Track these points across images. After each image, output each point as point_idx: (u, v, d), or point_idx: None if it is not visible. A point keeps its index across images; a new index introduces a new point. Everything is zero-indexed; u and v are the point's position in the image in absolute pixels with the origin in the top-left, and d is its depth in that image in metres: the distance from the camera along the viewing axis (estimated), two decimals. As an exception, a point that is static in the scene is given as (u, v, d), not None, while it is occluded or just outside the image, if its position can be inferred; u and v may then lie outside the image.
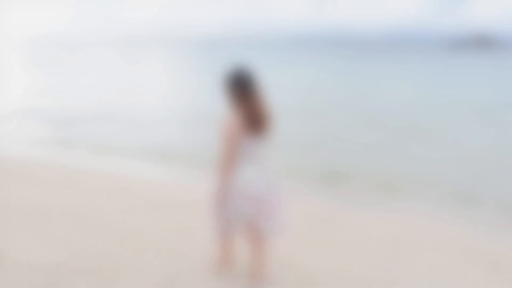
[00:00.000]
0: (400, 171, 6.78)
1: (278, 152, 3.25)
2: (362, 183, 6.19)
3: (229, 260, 3.10)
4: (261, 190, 2.70)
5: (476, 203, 5.54)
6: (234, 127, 2.60)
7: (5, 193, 4.67)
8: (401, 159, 7.64)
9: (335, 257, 3.56)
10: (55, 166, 6.22)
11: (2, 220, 3.87)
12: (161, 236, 3.70)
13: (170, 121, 11.09)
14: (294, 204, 3.06)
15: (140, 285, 2.87)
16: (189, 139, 8.99)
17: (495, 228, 4.77)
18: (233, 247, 3.12)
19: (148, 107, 13.55)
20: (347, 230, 4.23)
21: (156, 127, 10.37)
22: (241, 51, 64.15)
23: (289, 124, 8.81)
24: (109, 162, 7.17)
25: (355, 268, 3.36)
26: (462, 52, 79.11)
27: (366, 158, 7.67)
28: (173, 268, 3.11)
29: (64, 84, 18.82)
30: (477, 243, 4.20)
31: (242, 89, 2.64)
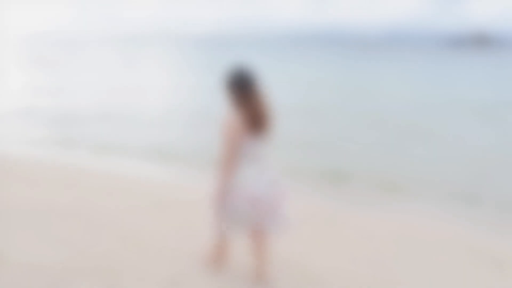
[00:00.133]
0: (401, 171, 6.78)
1: (278, 151, 3.25)
2: (363, 182, 6.19)
3: (226, 260, 3.10)
4: (262, 190, 2.70)
5: (477, 202, 5.55)
6: (235, 127, 2.61)
7: (5, 193, 4.66)
8: (401, 159, 7.65)
9: (337, 257, 3.57)
10: (56, 166, 6.21)
11: (3, 220, 3.86)
12: (163, 235, 3.70)
13: (170, 120, 11.08)
14: (295, 204, 3.06)
15: (142, 285, 2.86)
16: (189, 138, 8.99)
17: (497, 228, 4.78)
18: (231, 247, 3.12)
19: (149, 106, 13.54)
20: (349, 230, 4.24)
21: (157, 126, 10.35)
22: (240, 50, 64.06)
23: (289, 124, 8.81)
24: (109, 161, 7.17)
25: (358, 268, 3.36)
26: (461, 50, 79.10)
27: (367, 157, 7.67)
28: (175, 268, 3.10)
29: (64, 82, 18.78)
30: (479, 243, 4.20)
31: (243, 89, 2.65)
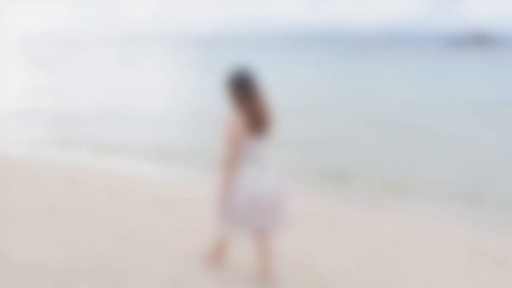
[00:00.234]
0: (402, 171, 6.78)
1: (279, 152, 3.26)
2: (365, 182, 6.19)
3: (226, 260, 3.13)
4: (263, 191, 2.71)
5: (478, 202, 5.55)
6: (237, 128, 2.62)
7: (7, 193, 4.66)
8: (402, 159, 7.64)
9: (339, 256, 3.57)
10: (57, 166, 6.20)
11: (5, 220, 3.86)
12: (164, 235, 3.70)
13: (170, 120, 11.08)
14: (297, 203, 3.07)
15: (144, 286, 2.87)
16: (189, 138, 8.99)
17: (498, 228, 4.78)
18: (232, 247, 3.14)
19: (149, 106, 13.54)
20: (351, 230, 4.24)
21: (157, 126, 10.35)
22: (240, 50, 64.02)
23: (290, 124, 8.83)
24: (110, 161, 7.17)
25: (360, 268, 3.37)
26: (461, 50, 79.12)
27: (368, 157, 7.66)
28: (177, 268, 3.10)
29: (64, 82, 18.77)
30: (480, 243, 4.20)
31: (244, 91, 2.66)
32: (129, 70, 27.17)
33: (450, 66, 36.14)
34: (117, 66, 30.59)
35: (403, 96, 16.21)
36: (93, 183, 5.30)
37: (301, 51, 65.56)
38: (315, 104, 13.84)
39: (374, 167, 6.96)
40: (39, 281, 2.85)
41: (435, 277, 3.33)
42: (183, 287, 2.89)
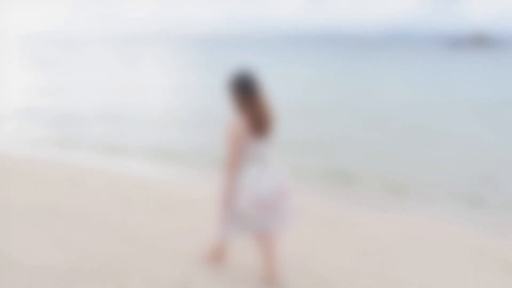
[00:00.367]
0: (404, 171, 6.78)
1: (281, 152, 3.27)
2: (366, 183, 6.18)
3: (228, 260, 3.14)
4: (266, 192, 2.72)
5: (480, 203, 5.55)
6: (239, 130, 2.63)
7: (9, 193, 4.66)
8: (404, 159, 7.64)
9: (341, 257, 3.58)
10: (58, 166, 6.19)
11: (7, 221, 3.87)
12: (167, 236, 3.70)
13: (171, 120, 11.09)
14: (299, 204, 3.07)
15: (147, 286, 2.87)
16: (190, 138, 9.00)
17: (500, 229, 4.77)
18: (234, 247, 3.15)
19: (149, 106, 13.55)
20: (354, 231, 4.25)
21: (158, 126, 10.36)
22: (240, 49, 63.99)
23: (291, 124, 8.85)
24: (111, 161, 7.17)
25: (362, 268, 3.38)
26: (461, 50, 79.10)
27: (369, 158, 7.66)
28: (181, 269, 3.10)
29: (64, 82, 18.77)
30: (483, 243, 4.20)
31: (246, 93, 2.67)
32: (129, 70, 27.18)
33: (450, 66, 36.15)
34: (117, 66, 30.60)
35: (403, 97, 16.21)
36: (94, 183, 5.30)
37: (301, 51, 65.56)
38: (316, 104, 13.84)
39: (375, 168, 6.96)
40: (41, 282, 2.85)
41: (437, 277, 3.33)
42: (185, 287, 2.90)
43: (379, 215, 5.01)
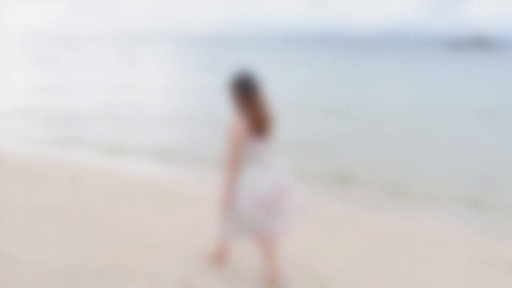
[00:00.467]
0: (405, 173, 6.77)
1: (283, 154, 3.25)
2: (368, 185, 6.17)
3: (230, 261, 3.12)
4: (266, 192, 2.71)
5: (482, 205, 5.55)
6: (239, 130, 2.63)
7: (9, 193, 4.64)
8: (406, 161, 7.63)
9: (344, 258, 3.57)
10: (59, 165, 6.17)
11: (8, 220, 3.84)
12: (168, 235, 3.68)
13: (172, 120, 11.08)
14: (303, 205, 3.06)
15: (149, 286, 2.85)
16: (191, 138, 8.98)
17: (501, 232, 4.77)
18: (236, 248, 3.12)
19: (150, 105, 13.54)
20: (356, 232, 4.24)
21: (159, 126, 10.34)
22: (240, 49, 64.13)
23: (293, 125, 8.84)
24: (112, 161, 7.16)
25: (364, 270, 3.37)
26: (461, 52, 79.26)
27: (371, 160, 7.64)
28: (183, 269, 3.09)
29: (64, 81, 18.76)
30: (485, 246, 4.20)
31: (247, 94, 2.67)
32: (129, 69, 27.18)
33: (451, 68, 36.23)
34: (117, 65, 30.60)
35: (403, 98, 16.23)
36: (94, 182, 5.28)
37: (301, 52, 65.66)
38: (316, 105, 13.84)
39: (376, 170, 6.95)
40: (43, 282, 2.83)
41: (437, 278, 3.33)
42: (188, 287, 2.87)
43: (380, 216, 5.00)
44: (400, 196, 5.80)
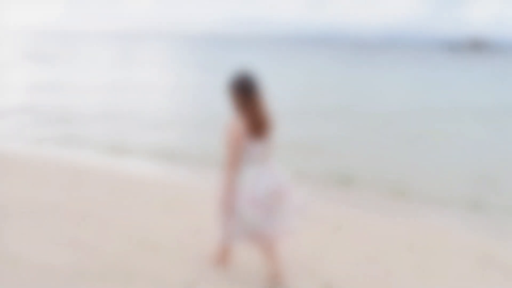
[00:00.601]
0: (407, 175, 6.77)
1: (284, 155, 3.26)
2: (370, 186, 6.16)
3: (232, 262, 3.14)
4: (265, 192, 2.72)
5: (483, 207, 5.55)
6: (238, 131, 2.63)
7: (9, 192, 4.63)
8: (407, 163, 7.62)
9: (347, 260, 3.57)
10: (60, 165, 6.15)
11: (9, 220, 3.84)
12: (171, 236, 3.68)
13: (172, 120, 11.06)
14: (304, 206, 3.06)
15: (153, 287, 2.86)
16: (191, 137, 8.97)
17: (502, 233, 4.77)
18: (237, 249, 3.14)
19: (150, 105, 13.50)
20: (357, 234, 4.24)
21: (159, 125, 10.32)
22: (240, 50, 64.05)
23: (293, 126, 8.83)
24: (112, 160, 7.15)
25: (366, 271, 3.37)
26: (459, 54, 79.31)
27: (372, 161, 7.62)
28: (186, 269, 3.09)
29: (65, 80, 18.69)
30: (486, 247, 4.19)
31: (246, 95, 2.67)
32: (129, 69, 27.11)
33: (449, 70, 36.24)
34: (117, 64, 30.53)
35: (403, 99, 16.21)
36: (95, 182, 5.27)
37: (300, 52, 65.63)
38: (316, 106, 13.82)
39: (376, 171, 6.94)
40: (46, 281, 2.83)
41: (441, 281, 3.33)
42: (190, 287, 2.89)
43: (383, 218, 4.99)
44: (401, 197, 5.79)
